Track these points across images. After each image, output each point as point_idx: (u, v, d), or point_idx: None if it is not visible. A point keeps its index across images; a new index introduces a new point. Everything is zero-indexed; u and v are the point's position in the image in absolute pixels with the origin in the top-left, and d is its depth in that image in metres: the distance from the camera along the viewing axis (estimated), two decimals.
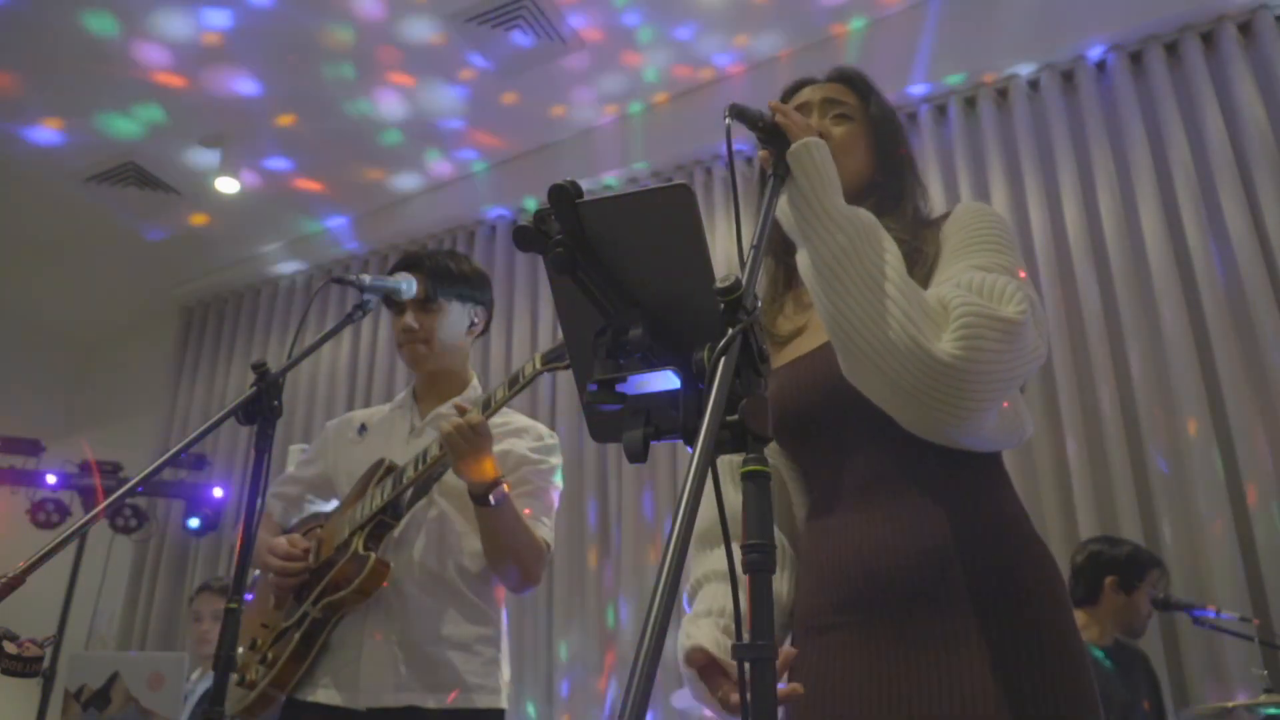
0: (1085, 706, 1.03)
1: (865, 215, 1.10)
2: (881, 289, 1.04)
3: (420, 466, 1.81)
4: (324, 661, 1.84)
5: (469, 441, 1.69)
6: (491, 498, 1.74)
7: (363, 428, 2.08)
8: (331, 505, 2.06)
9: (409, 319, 1.97)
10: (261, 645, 1.90)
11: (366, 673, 1.78)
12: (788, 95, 1.39)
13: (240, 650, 1.88)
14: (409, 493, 1.87)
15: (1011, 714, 1.00)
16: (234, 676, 1.83)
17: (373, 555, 1.80)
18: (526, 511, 1.86)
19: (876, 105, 1.35)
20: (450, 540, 1.90)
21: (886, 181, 1.32)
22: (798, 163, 1.07)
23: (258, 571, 2.04)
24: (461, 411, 1.72)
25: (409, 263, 2.00)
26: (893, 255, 1.07)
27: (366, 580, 1.79)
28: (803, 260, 1.10)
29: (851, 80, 1.38)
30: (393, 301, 1.97)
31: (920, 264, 1.19)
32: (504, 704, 1.88)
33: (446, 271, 2.00)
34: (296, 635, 1.84)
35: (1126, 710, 2.69)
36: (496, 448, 1.82)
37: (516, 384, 1.79)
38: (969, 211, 1.22)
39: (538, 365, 1.77)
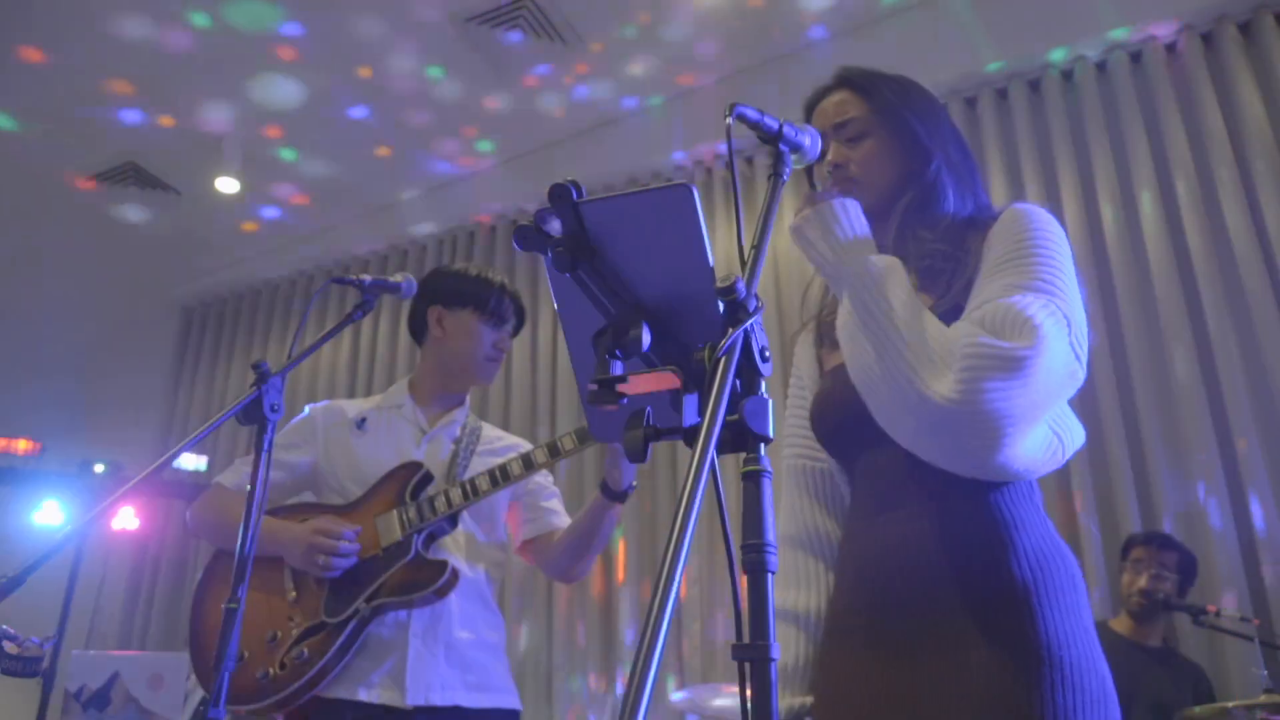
0: (1095, 715, 1.02)
1: (876, 264, 1.11)
2: (886, 335, 1.06)
3: (499, 483, 1.88)
4: (362, 660, 1.83)
5: None
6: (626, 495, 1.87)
7: (362, 421, 2.04)
8: (311, 494, 2.03)
9: (506, 341, 2.07)
10: (283, 639, 1.84)
11: (414, 672, 1.82)
12: (807, 113, 1.35)
13: (246, 654, 1.85)
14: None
15: None
16: (254, 673, 1.81)
17: (448, 563, 1.85)
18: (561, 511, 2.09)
19: (880, 102, 1.28)
20: (478, 550, 1.98)
21: (922, 170, 1.26)
22: (803, 239, 1.17)
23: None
24: None
25: (508, 292, 2.07)
26: (900, 299, 1.08)
27: (444, 587, 1.84)
28: (841, 314, 1.15)
29: (853, 83, 1.31)
30: (493, 314, 2.03)
31: (959, 274, 1.17)
32: (519, 704, 1.97)
33: (521, 309, 2.12)
34: (344, 632, 1.81)
35: (1172, 707, 2.74)
36: (505, 459, 1.90)
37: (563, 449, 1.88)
38: (1014, 219, 1.16)
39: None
